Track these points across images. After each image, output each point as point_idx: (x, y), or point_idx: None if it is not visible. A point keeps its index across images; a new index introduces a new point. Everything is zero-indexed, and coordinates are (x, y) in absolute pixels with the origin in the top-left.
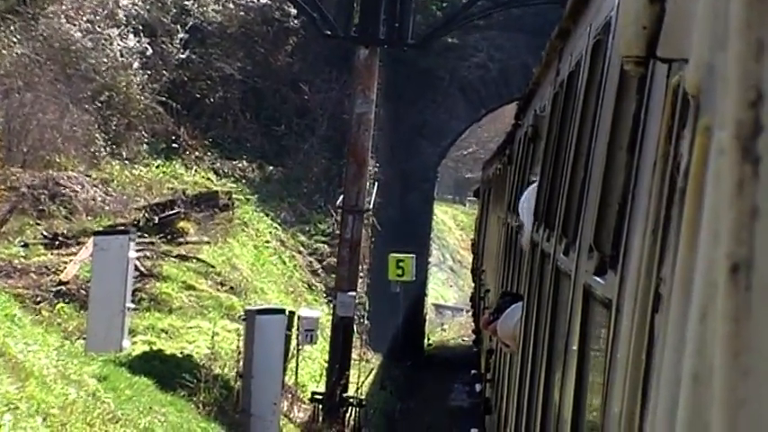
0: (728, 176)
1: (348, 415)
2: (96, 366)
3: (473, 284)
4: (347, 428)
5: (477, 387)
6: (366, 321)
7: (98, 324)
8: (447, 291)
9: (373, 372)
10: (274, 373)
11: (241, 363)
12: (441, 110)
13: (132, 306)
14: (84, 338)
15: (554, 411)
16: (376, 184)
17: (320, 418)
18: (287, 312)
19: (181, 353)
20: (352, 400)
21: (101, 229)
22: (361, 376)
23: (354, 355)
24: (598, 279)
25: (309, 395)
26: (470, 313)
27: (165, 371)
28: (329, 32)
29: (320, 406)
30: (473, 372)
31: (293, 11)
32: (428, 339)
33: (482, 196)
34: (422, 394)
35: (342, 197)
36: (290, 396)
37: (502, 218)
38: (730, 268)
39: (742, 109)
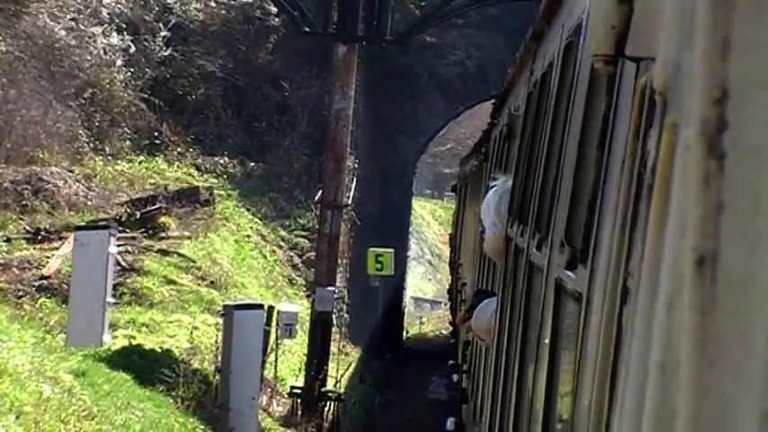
0: (695, 172)
1: (327, 409)
2: (75, 362)
3: (450, 277)
4: (326, 423)
5: (455, 377)
6: (346, 315)
7: (79, 319)
8: (426, 284)
9: (352, 365)
10: (253, 367)
11: (219, 358)
12: (419, 106)
13: (113, 300)
14: (65, 333)
15: (527, 402)
16: (354, 179)
17: (299, 413)
18: (266, 307)
19: (160, 348)
20: (330, 394)
21: (83, 224)
22: (341, 369)
23: (333, 349)
24: (569, 273)
25: (289, 389)
26: (448, 306)
27: (145, 365)
28: (308, 29)
29: (299, 400)
30: (450, 362)
31: (274, 9)
32: (407, 332)
33: (459, 192)
34: (401, 387)
35: (320, 192)
36: (269, 390)
37: (478, 213)
38: (696, 261)
39: (707, 106)
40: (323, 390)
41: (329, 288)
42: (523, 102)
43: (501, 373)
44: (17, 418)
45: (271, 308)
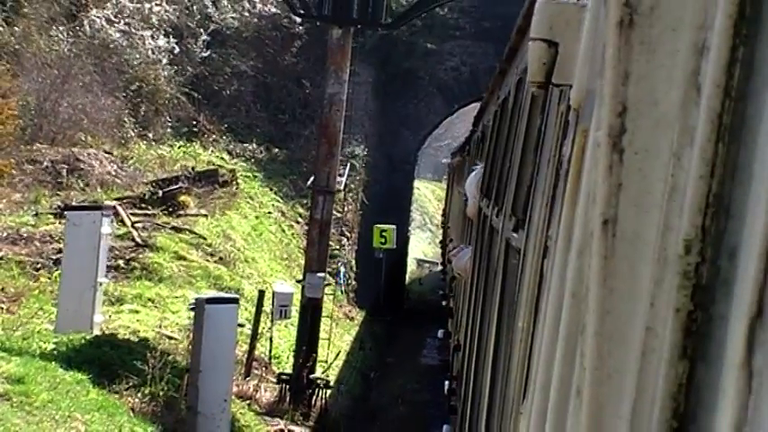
0: (602, 162)
1: (315, 396)
2: (14, 364)
3: (442, 235)
4: (314, 410)
5: (444, 302)
6: (354, 282)
7: (69, 301)
8: (427, 247)
9: (355, 330)
10: (225, 367)
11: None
12: (421, 105)
13: (105, 281)
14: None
15: (488, 319)
16: (348, 164)
17: (287, 399)
18: (255, 292)
19: (136, 335)
20: (319, 381)
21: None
22: (345, 336)
23: (340, 314)
24: (514, 234)
25: (278, 375)
26: (440, 254)
27: (115, 358)
28: (303, 12)
29: (287, 387)
30: (441, 292)
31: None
32: (407, 294)
33: (449, 177)
34: (398, 347)
35: (313, 177)
36: (260, 372)
37: (462, 192)
38: (602, 222)
39: (613, 117)
40: (311, 377)
41: (319, 274)
42: (492, 117)
43: (473, 298)
44: None
45: (261, 292)
